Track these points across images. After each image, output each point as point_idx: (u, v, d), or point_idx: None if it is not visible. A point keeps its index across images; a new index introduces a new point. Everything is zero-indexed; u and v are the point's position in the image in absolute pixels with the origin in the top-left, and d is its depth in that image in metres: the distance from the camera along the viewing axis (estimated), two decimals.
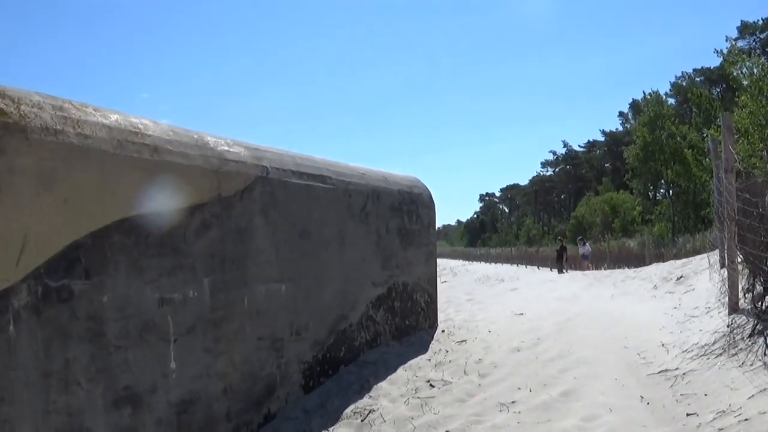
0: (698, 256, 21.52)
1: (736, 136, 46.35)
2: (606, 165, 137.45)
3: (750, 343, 8.91)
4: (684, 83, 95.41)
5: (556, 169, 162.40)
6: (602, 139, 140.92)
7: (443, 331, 15.16)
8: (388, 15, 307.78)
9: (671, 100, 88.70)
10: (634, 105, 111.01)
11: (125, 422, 7.16)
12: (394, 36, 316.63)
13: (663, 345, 10.97)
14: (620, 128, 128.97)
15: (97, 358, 6.89)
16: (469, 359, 11.99)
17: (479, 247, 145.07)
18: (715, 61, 78.22)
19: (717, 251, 13.78)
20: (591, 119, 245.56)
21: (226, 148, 9.32)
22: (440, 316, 17.64)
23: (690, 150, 68.86)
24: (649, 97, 78.75)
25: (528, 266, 65.58)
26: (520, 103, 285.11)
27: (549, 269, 52.00)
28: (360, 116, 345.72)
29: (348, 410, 9.77)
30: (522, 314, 16.95)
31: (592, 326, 13.67)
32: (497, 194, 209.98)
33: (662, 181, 79.13)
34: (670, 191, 79.46)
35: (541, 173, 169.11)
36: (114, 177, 7.23)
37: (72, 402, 6.57)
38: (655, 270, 23.37)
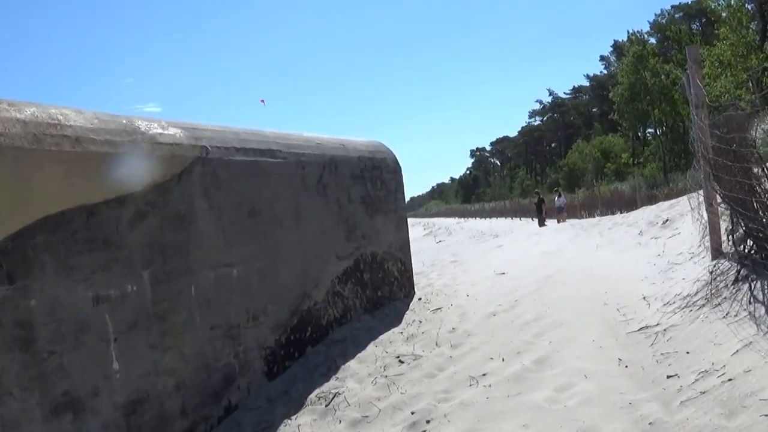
0: (686, 196, 21.01)
1: (719, 70, 45.90)
2: (593, 110, 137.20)
3: (734, 290, 8.39)
4: (664, 21, 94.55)
5: (544, 118, 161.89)
6: (587, 84, 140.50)
7: (420, 299, 14.71)
8: None
9: (652, 40, 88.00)
10: (617, 46, 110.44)
11: (67, 429, 6.79)
12: None
13: (644, 298, 10.43)
14: (604, 72, 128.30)
15: (30, 365, 6.52)
16: (443, 329, 11.54)
17: (474, 202, 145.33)
18: None
19: (698, 192, 13.15)
20: (574, 65, 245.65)
21: (159, 131, 8.85)
22: (423, 281, 17.36)
23: (675, 87, 68.59)
24: (632, 37, 78.45)
25: (522, 218, 65.13)
26: (502, 55, 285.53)
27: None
28: (339, 83, 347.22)
29: (312, 395, 9.35)
30: (504, 273, 16.46)
31: (572, 282, 13.20)
32: (488, 148, 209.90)
33: (651, 121, 78.85)
34: (659, 131, 79.31)
35: (530, 123, 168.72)
36: (31, 173, 6.80)
37: (5, 414, 6.21)
38: (642, 214, 22.82)
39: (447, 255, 27.57)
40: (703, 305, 8.58)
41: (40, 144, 6.91)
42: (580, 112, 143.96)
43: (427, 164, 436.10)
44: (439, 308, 13.30)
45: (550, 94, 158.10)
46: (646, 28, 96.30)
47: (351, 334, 11.85)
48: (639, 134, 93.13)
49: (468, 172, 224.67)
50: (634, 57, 73.66)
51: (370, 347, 11.17)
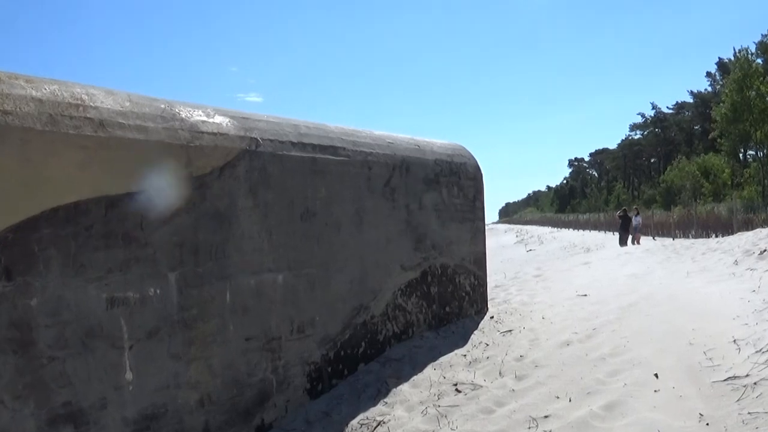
0: None
1: None
2: (696, 127, 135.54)
3: None
4: None
5: (645, 133, 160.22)
6: (691, 100, 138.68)
7: (492, 317, 13.69)
8: None
9: (759, 60, 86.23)
10: (721, 65, 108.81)
11: None
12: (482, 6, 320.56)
13: (734, 341, 9.33)
14: (709, 89, 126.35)
15: (26, 371, 5.85)
16: (509, 355, 10.57)
17: (568, 213, 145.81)
18: None
19: None
20: (680, 79, 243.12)
21: (203, 118, 8.07)
22: (501, 295, 16.80)
23: None
24: (739, 55, 77.14)
25: (616, 233, 64.23)
26: (606, 66, 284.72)
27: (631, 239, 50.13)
28: (446, 86, 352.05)
29: (355, 421, 8.48)
30: (585, 295, 15.39)
31: (656, 314, 12.08)
32: (586, 159, 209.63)
33: (752, 142, 77.75)
34: (761, 153, 78.16)
35: (630, 137, 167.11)
36: (43, 158, 6.10)
37: None
38: (739, 241, 21.66)
39: (531, 268, 26.53)
40: None
41: (56, 126, 6.21)
42: (681, 129, 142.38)
43: (525, 171, 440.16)
44: (510, 330, 12.32)
45: (653, 108, 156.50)
46: (754, 47, 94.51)
47: (410, 353, 10.95)
48: (740, 155, 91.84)
49: (565, 181, 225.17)
50: (739, 76, 72.51)
51: (428, 370, 10.26)
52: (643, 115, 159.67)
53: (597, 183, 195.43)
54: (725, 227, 44.08)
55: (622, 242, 44.32)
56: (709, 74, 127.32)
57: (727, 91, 76.02)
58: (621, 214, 47.95)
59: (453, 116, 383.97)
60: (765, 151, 77.01)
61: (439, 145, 13.52)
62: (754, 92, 70.68)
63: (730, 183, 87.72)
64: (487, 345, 11.48)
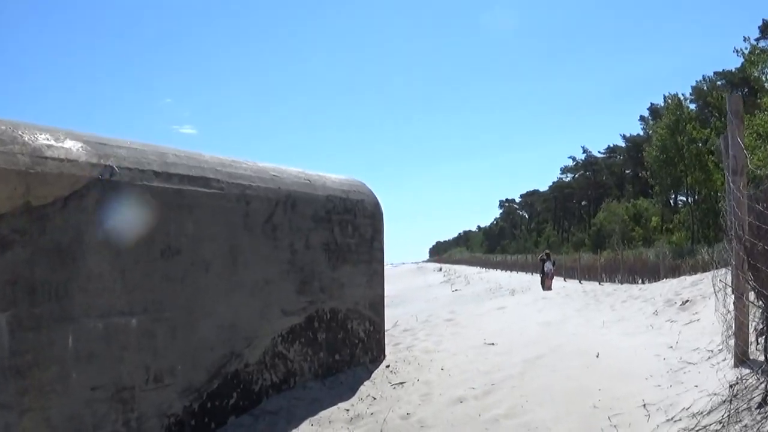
0: (711, 274, 19.10)
1: (758, 142, 44.03)
2: (627, 171, 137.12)
3: (759, 417, 6.46)
4: (705, 87, 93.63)
5: (576, 175, 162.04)
6: (623, 144, 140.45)
7: (388, 366, 12.82)
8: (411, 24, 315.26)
9: (692, 105, 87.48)
10: (653, 110, 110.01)
11: None
12: (415, 47, 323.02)
13: (644, 406, 8.44)
14: (641, 133, 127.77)
15: None
16: (395, 413, 9.70)
17: (498, 253, 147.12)
18: (736, 63, 76.75)
19: (726, 272, 10.82)
20: (613, 124, 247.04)
21: (49, 142, 7.31)
22: (408, 340, 15.98)
23: (710, 155, 68.01)
24: (669, 101, 78.00)
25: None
26: (542, 109, 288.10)
27: (563, 280, 49.74)
28: (377, 124, 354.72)
29: None
30: (493, 344, 14.54)
31: (563, 369, 11.23)
32: (517, 200, 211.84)
33: (683, 188, 78.67)
34: (690, 199, 79.06)
35: (561, 179, 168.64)
36: None
37: None
38: (661, 289, 21.00)
39: (444, 312, 25.70)
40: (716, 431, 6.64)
41: None
42: (612, 172, 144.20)
43: (456, 210, 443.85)
44: (403, 383, 11.44)
45: (584, 152, 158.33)
46: (689, 90, 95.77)
47: (288, 406, 10.08)
48: (670, 200, 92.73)
49: (495, 222, 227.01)
50: (670, 121, 73.30)
51: (305, 425, 9.40)
52: (574, 159, 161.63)
53: (527, 224, 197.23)
54: (652, 272, 43.85)
55: (543, 285, 43.88)
56: (642, 118, 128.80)
57: (658, 134, 76.71)
58: (543, 257, 47.45)
59: (383, 154, 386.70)
60: (695, 196, 77.64)
61: (333, 180, 12.74)
62: (686, 138, 71.27)
63: (660, 228, 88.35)
64: (374, 399, 10.63)
